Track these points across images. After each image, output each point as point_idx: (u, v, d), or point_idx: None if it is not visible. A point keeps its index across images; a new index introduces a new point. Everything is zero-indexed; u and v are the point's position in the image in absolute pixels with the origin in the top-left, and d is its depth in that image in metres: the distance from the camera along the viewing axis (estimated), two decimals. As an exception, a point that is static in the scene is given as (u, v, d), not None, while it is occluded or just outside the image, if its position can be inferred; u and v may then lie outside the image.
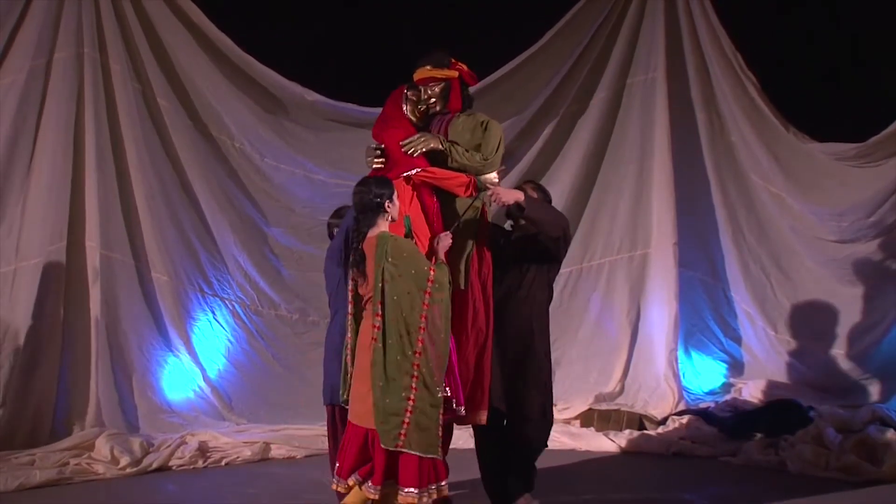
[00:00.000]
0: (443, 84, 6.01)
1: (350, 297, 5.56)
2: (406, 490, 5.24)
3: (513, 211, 5.99)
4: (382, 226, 5.46)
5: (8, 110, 8.05)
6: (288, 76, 8.68)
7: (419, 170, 5.76)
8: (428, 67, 5.99)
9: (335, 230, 6.14)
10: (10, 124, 8.06)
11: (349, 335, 5.54)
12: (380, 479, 5.28)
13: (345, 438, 5.45)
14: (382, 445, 5.23)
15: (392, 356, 5.30)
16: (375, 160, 5.86)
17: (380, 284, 5.33)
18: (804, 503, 6.64)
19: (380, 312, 5.32)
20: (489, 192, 5.86)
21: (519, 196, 5.91)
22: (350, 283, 5.54)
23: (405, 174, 5.73)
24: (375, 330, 5.33)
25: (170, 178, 8.58)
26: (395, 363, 5.29)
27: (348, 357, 5.53)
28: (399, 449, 5.23)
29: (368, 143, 5.95)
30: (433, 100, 6.03)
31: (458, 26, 9.04)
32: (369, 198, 5.44)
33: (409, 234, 5.63)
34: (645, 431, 8.38)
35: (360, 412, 5.35)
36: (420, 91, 6.01)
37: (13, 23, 8.08)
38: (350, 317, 5.55)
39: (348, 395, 5.48)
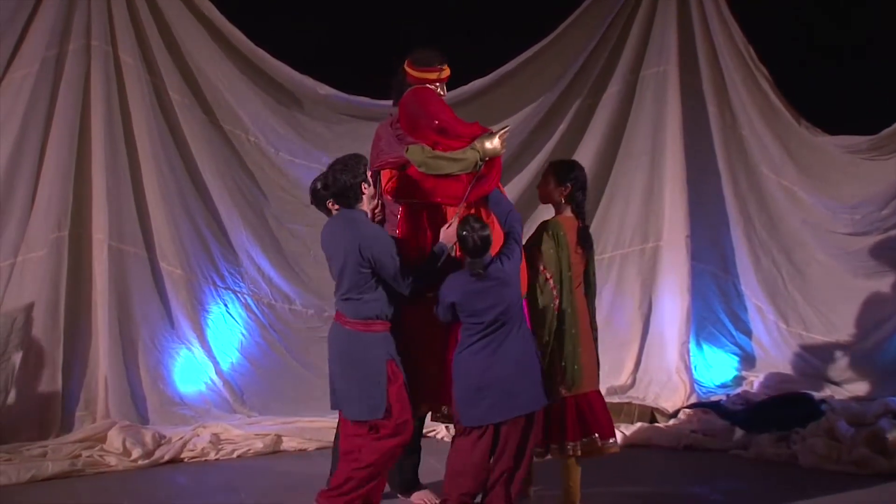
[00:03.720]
0: None
1: (563, 278, 6.11)
2: None
3: None
4: None
5: (21, 102, 8.08)
6: (300, 69, 8.68)
7: None
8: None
9: None
10: (22, 116, 8.08)
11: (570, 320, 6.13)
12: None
13: (595, 407, 6.29)
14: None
15: None
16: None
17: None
18: (816, 497, 6.63)
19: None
20: None
21: None
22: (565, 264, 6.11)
23: None
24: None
25: (182, 171, 8.58)
26: None
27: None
28: None
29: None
30: None
31: (470, 18, 9.04)
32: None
33: None
34: (656, 424, 8.37)
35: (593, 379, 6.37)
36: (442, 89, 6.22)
37: (26, 16, 8.11)
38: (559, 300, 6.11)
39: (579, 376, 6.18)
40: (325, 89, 8.71)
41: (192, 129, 8.63)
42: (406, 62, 6.19)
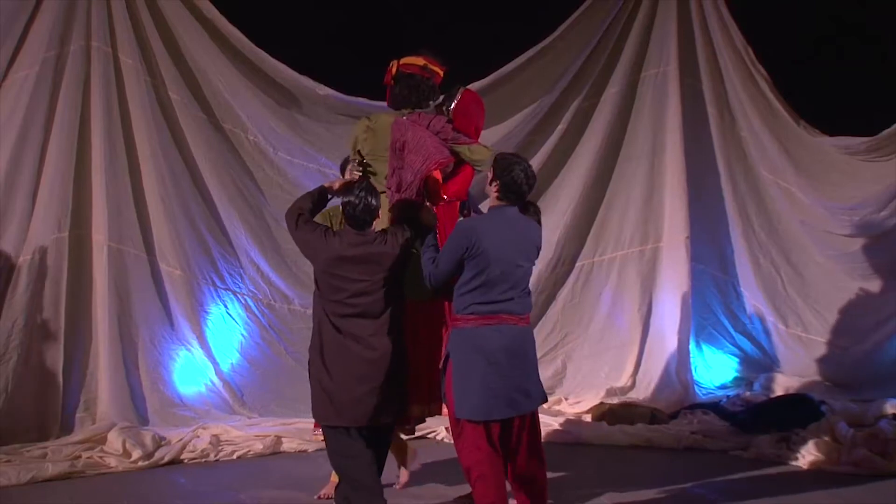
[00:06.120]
0: None
1: None
2: None
3: None
4: None
5: (21, 104, 8.07)
6: (299, 70, 8.67)
7: None
8: None
9: None
10: (23, 117, 8.08)
11: None
12: None
13: None
14: None
15: None
16: None
17: None
18: (816, 498, 6.65)
19: None
20: None
21: None
22: None
23: None
24: None
25: (182, 171, 8.59)
26: None
27: None
28: None
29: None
30: None
31: (469, 19, 9.05)
32: None
33: None
34: (656, 425, 8.36)
35: None
36: None
37: (27, 17, 8.10)
38: None
39: None
40: (323, 90, 8.71)
41: (191, 130, 8.63)
42: (432, 64, 6.28)
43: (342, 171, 6.43)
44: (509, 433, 5.61)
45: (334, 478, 6.44)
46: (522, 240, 5.65)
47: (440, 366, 5.76)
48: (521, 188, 5.62)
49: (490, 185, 5.65)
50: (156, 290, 8.44)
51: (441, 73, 6.32)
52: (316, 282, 5.77)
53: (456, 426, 5.69)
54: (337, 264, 5.68)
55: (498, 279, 5.53)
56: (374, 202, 5.74)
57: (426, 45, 6.39)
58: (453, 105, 6.32)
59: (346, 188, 5.98)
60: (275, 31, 8.76)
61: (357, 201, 5.72)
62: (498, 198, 5.65)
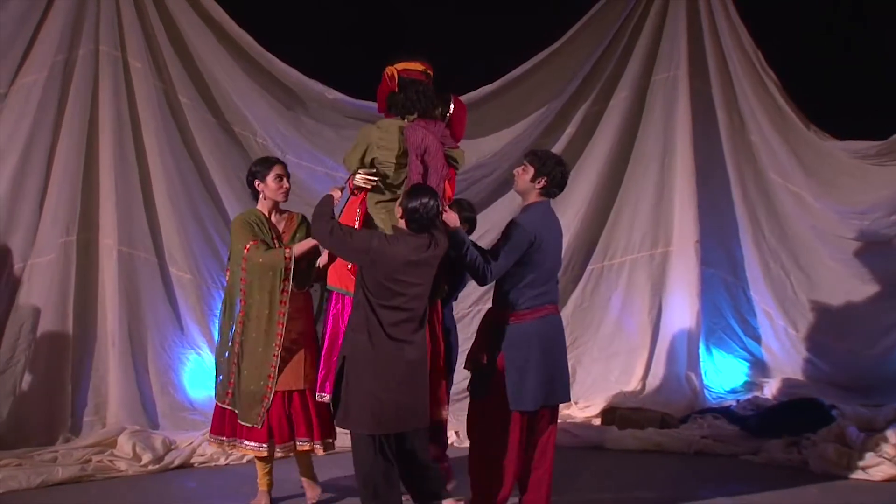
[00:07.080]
0: None
1: None
2: None
3: None
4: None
5: (30, 107, 8.07)
6: (309, 73, 8.66)
7: None
8: None
9: None
10: (32, 121, 8.08)
11: None
12: None
13: None
14: None
15: None
16: None
17: None
18: (826, 502, 6.64)
19: None
20: None
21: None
22: None
23: None
24: None
25: (191, 174, 8.58)
26: None
27: None
28: None
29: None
30: None
31: (475, 22, 9.03)
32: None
33: None
34: (666, 430, 8.34)
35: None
36: None
37: (36, 21, 8.10)
38: None
39: None
40: (333, 94, 8.68)
41: (200, 133, 8.61)
42: (430, 69, 6.25)
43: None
44: (537, 424, 5.81)
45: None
46: (560, 232, 5.93)
47: (484, 362, 5.78)
48: (565, 182, 5.90)
49: (533, 181, 5.78)
50: (165, 294, 8.43)
51: (433, 75, 6.33)
52: (365, 288, 5.63)
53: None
54: (402, 269, 5.60)
55: (549, 272, 5.80)
56: (439, 205, 5.74)
57: (418, 49, 6.38)
58: (450, 111, 6.35)
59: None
60: (277, 31, 8.73)
61: (427, 205, 5.66)
62: (541, 193, 5.82)
